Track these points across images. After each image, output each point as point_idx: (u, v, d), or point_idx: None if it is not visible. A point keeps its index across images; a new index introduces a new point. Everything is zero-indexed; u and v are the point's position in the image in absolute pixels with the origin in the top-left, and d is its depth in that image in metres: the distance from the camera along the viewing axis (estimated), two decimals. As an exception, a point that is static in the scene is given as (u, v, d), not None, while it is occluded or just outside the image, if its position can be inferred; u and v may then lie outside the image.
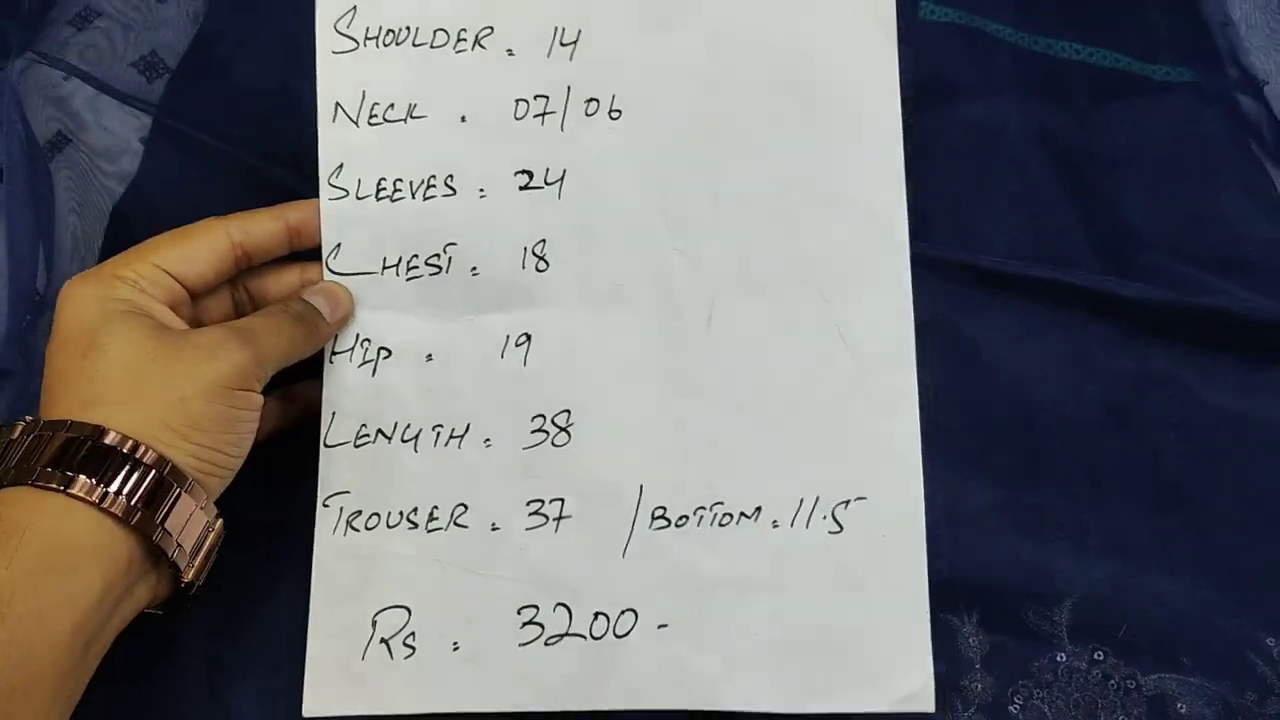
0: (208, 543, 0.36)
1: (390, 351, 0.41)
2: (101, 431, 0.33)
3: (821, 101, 0.42)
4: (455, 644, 0.38)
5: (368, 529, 0.39)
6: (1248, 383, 0.44)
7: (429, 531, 0.39)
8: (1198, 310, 0.44)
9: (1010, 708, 0.40)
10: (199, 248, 0.38)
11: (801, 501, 0.39)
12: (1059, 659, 0.40)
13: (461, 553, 0.39)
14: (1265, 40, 0.49)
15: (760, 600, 0.39)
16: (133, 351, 0.35)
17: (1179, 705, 0.39)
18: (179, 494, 0.34)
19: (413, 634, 0.39)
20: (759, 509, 0.39)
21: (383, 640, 0.38)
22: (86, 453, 0.33)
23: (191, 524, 0.34)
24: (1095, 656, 0.40)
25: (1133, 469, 0.43)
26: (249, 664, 0.39)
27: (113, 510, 0.32)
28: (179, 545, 0.34)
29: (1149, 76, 0.49)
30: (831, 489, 0.39)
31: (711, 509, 0.39)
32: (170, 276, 0.38)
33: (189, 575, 0.35)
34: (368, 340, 0.41)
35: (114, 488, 0.33)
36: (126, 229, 0.45)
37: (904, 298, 0.41)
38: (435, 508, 0.39)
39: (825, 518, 0.39)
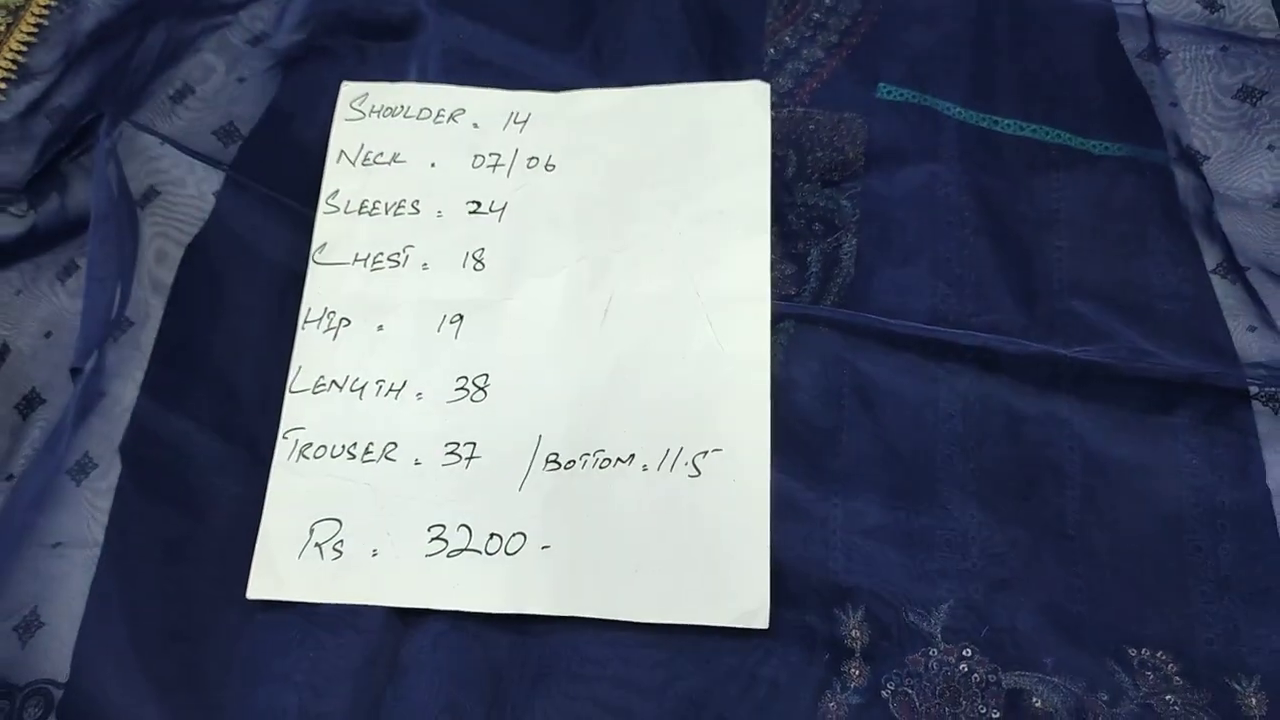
0: None
1: (349, 321, 0.50)
2: None
3: (709, 148, 0.52)
4: (375, 550, 0.46)
5: (315, 458, 0.47)
6: (1126, 430, 0.46)
7: (364, 462, 0.47)
8: (1085, 365, 0.47)
9: (882, 692, 0.42)
10: None
11: (668, 451, 0.47)
12: (931, 654, 0.43)
13: (388, 480, 0.47)
14: (1212, 120, 0.50)
15: (629, 530, 0.45)
16: None
17: (1034, 700, 0.42)
18: None
19: (341, 541, 0.46)
20: (633, 455, 0.47)
21: (317, 545, 0.46)
22: None
23: None
24: (964, 653, 0.43)
25: (1016, 502, 0.46)
26: (205, 549, 0.46)
27: None
28: None
29: (1087, 150, 0.51)
30: (693, 441, 0.47)
31: (595, 455, 0.47)
32: None
33: None
34: (333, 312, 0.50)
35: None
36: (199, 259, 0.53)
37: (762, 287, 0.49)
38: (371, 443, 0.47)
39: (686, 464, 0.46)
